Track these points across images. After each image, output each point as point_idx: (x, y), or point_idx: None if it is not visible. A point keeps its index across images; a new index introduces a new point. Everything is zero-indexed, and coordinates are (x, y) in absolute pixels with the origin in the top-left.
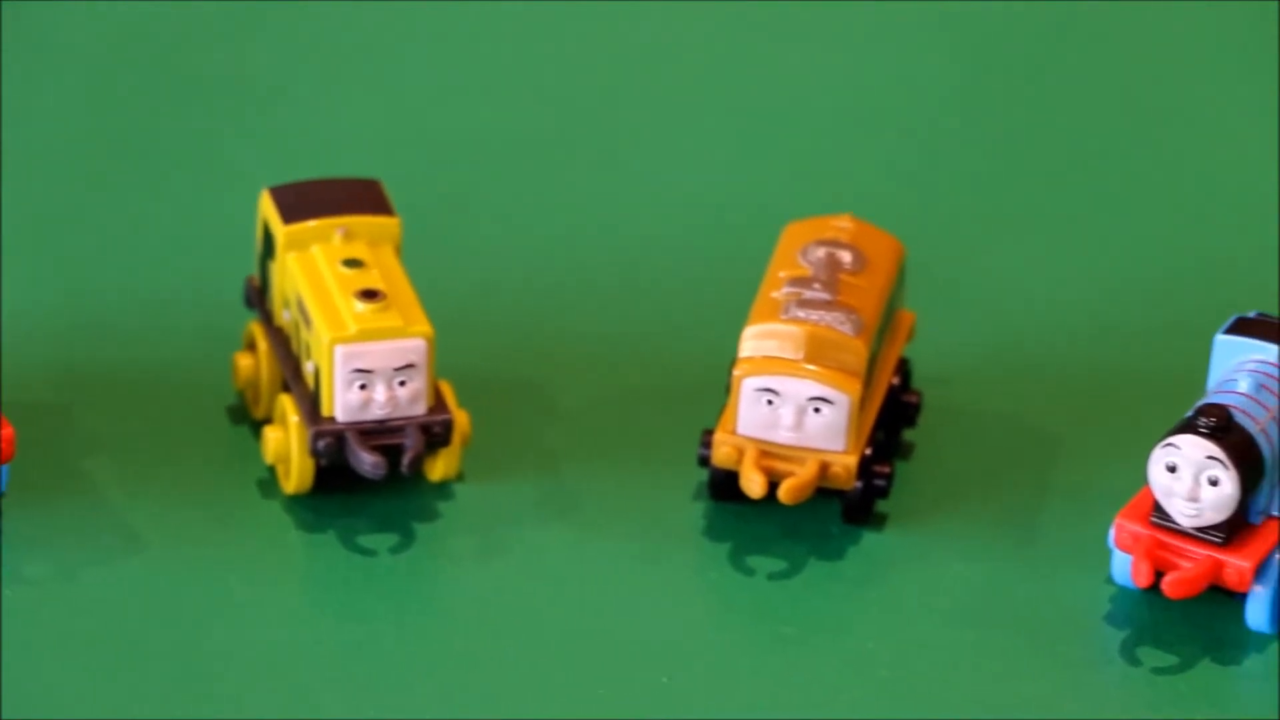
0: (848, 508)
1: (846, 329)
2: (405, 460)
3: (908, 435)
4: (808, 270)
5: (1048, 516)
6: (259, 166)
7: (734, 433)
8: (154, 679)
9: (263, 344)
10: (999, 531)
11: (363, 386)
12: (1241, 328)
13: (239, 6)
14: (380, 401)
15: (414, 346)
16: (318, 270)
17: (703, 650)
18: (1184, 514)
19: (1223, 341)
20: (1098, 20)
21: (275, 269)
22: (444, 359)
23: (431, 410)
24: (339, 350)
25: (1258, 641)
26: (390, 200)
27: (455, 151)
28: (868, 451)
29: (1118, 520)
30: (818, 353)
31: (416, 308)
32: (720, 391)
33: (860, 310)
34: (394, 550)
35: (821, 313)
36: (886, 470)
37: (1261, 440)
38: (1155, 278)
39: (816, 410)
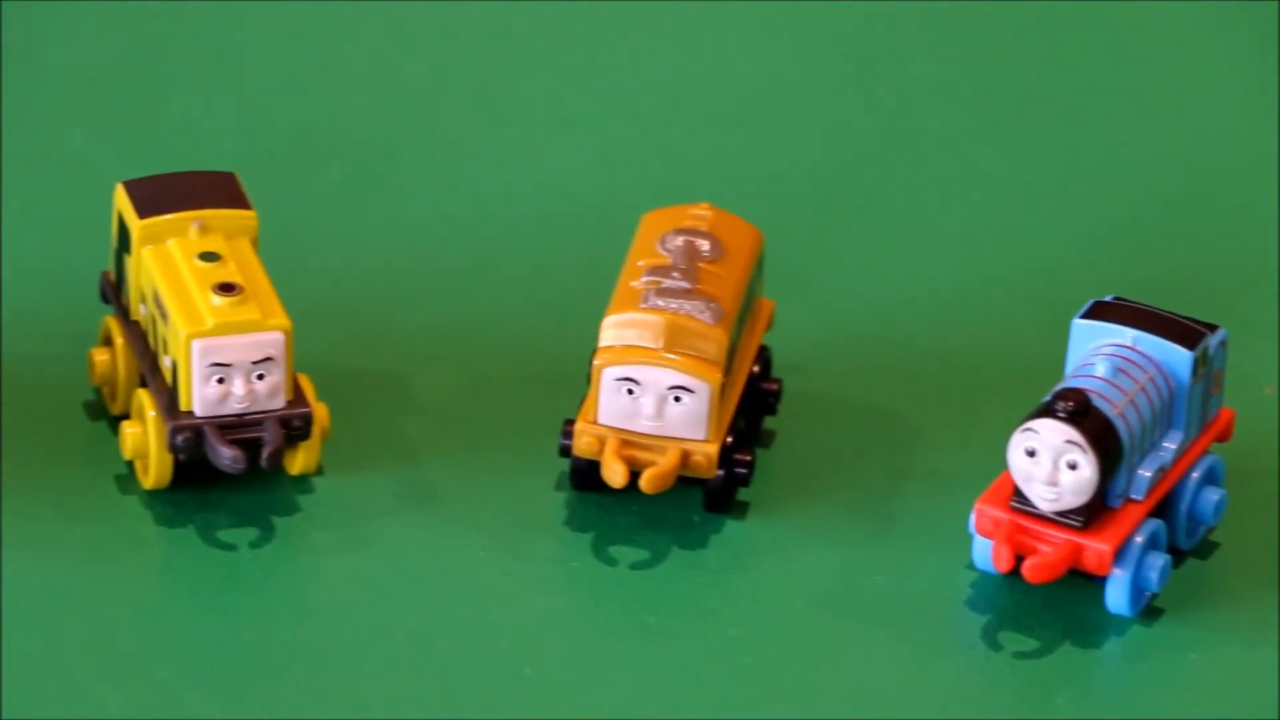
0: (709, 496)
1: (706, 317)
2: (264, 454)
3: (768, 423)
4: (666, 259)
5: (908, 503)
6: (112, 160)
7: (595, 422)
8: (10, 677)
9: (119, 339)
10: (860, 518)
11: (220, 380)
12: (1098, 312)
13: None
14: (238, 395)
15: (272, 340)
16: (174, 264)
17: (566, 640)
18: (1043, 498)
19: (1080, 326)
20: (943, 7)
21: (131, 263)
22: (302, 352)
23: (290, 404)
24: (196, 344)
25: (1118, 625)
26: (246, 193)
27: (310, 144)
28: (729, 440)
29: (977, 505)
30: (677, 341)
31: (274, 301)
32: (580, 381)
33: (720, 298)
34: (254, 545)
35: (681, 301)
36: (747, 458)
37: (1119, 424)
38: (1012, 263)
39: (677, 399)
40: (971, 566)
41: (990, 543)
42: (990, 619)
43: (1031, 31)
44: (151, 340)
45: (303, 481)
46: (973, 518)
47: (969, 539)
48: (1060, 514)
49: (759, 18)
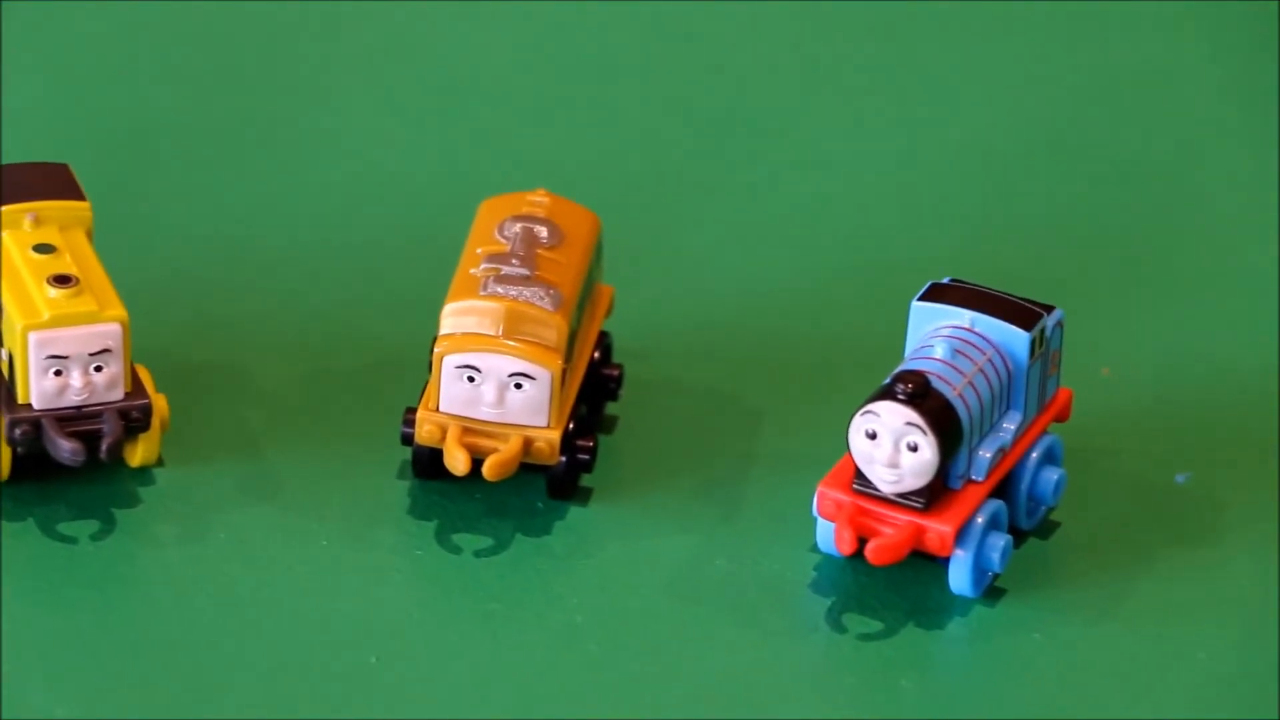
0: (552, 483)
1: (546, 304)
2: (103, 446)
3: (610, 409)
4: (505, 246)
5: (751, 487)
6: None
7: (436, 410)
8: None
9: None
10: (703, 503)
11: (58, 373)
12: (936, 294)
13: None
14: (76, 388)
15: (109, 331)
16: (9, 256)
17: (410, 629)
18: (885, 480)
19: (918, 308)
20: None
21: None
22: (139, 343)
23: (129, 395)
24: (32, 336)
25: (961, 605)
26: (80, 184)
27: (143, 133)
28: (570, 426)
29: (820, 488)
30: (517, 328)
31: (110, 292)
32: (421, 369)
33: (559, 285)
34: (95, 537)
35: (520, 288)
36: (590, 444)
37: (959, 405)
38: (850, 245)
39: (518, 386)
40: (815, 549)
41: (833, 525)
42: (834, 601)
43: (867, 10)
44: None
45: (143, 473)
46: (815, 501)
47: (812, 522)
48: (902, 496)
49: (596, 3)
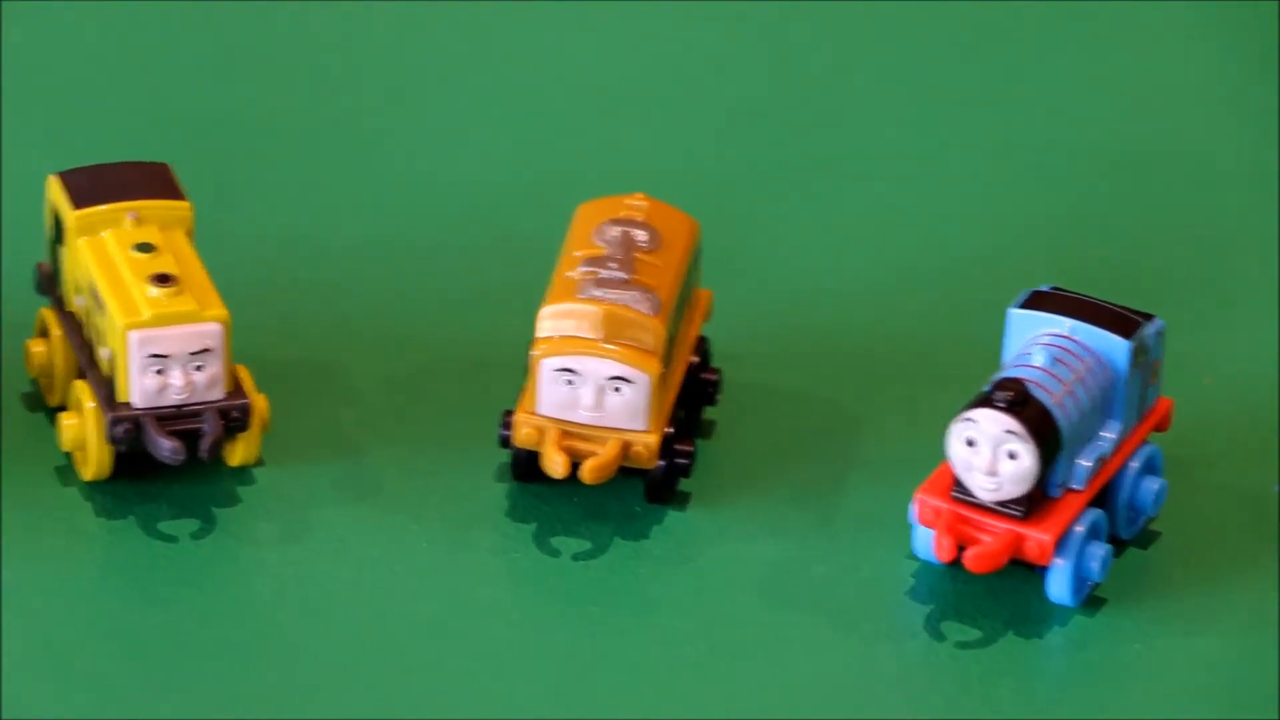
0: (651, 487)
1: (644, 308)
2: (203, 445)
3: (708, 413)
4: (603, 249)
5: (849, 492)
6: (44, 151)
7: (534, 413)
8: None
9: (56, 330)
10: (801, 508)
11: (159, 372)
12: (1036, 302)
13: None
14: (177, 387)
15: (209, 331)
16: (109, 255)
17: (508, 632)
18: (983, 488)
19: (1017, 315)
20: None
21: (66, 255)
22: (240, 343)
23: (229, 395)
24: (133, 335)
25: (1059, 614)
26: (180, 184)
27: (244, 134)
28: (669, 430)
29: (918, 495)
30: (616, 332)
31: (211, 292)
32: (518, 372)
33: (657, 289)
34: (195, 536)
35: (619, 292)
36: (688, 448)
37: (1058, 413)
38: (950, 252)
39: (616, 390)
40: (913, 556)
41: (931, 532)
42: (932, 609)
43: (964, 15)
44: (88, 331)
45: (243, 473)
46: (914, 507)
47: (910, 528)
48: (1001, 504)
49: (695, 5)
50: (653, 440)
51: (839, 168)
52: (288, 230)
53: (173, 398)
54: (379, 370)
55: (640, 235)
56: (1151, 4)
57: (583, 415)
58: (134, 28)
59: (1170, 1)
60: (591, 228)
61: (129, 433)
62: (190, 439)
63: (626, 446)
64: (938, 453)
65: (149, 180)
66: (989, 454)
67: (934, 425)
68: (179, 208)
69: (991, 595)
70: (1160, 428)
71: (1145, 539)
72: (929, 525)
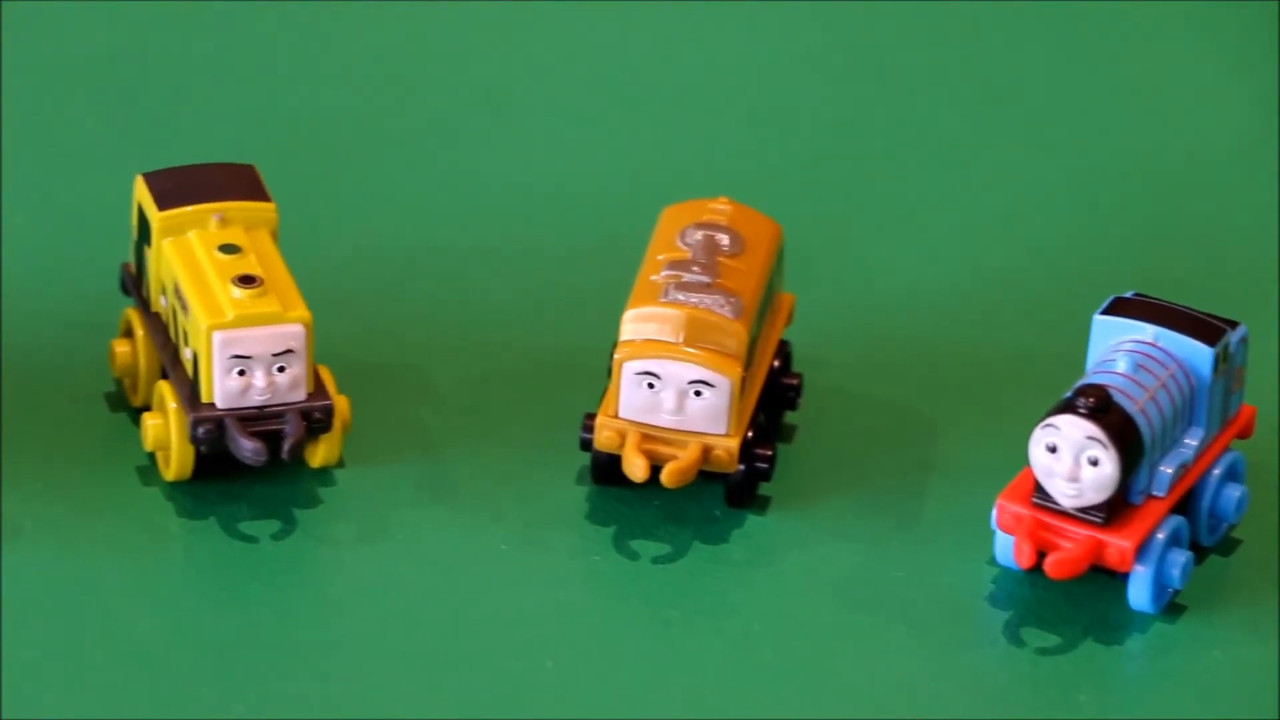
0: (731, 491)
1: (726, 312)
2: (285, 446)
3: (789, 418)
4: (686, 253)
5: (929, 498)
6: (130, 152)
7: (615, 416)
8: (32, 668)
9: (140, 331)
10: (881, 513)
11: (241, 373)
12: (1119, 308)
13: None
14: (260, 387)
15: (292, 332)
16: (194, 256)
17: (587, 634)
18: (1065, 494)
19: (1100, 322)
20: (960, 3)
21: (151, 255)
22: (322, 344)
23: (311, 396)
24: (217, 336)
25: (1140, 621)
26: (265, 185)
27: (327, 135)
28: (749, 434)
29: (999, 501)
30: (698, 336)
31: (294, 293)
32: (600, 374)
33: (740, 293)
34: (275, 536)
35: (701, 296)
36: (768, 453)
37: (1140, 420)
38: (1032, 258)
39: (698, 393)
40: (993, 562)
41: (1012, 538)
42: (1012, 615)
43: (1047, 25)
44: (172, 332)
45: (324, 474)
46: (994, 513)
47: (991, 534)
48: (1082, 510)
49: (779, 11)
50: (733, 444)
51: (923, 172)
52: (372, 232)
53: (255, 399)
54: (461, 372)
55: (723, 239)
56: (1239, 11)
57: (664, 419)
58: (222, 28)
59: (1259, 1)
60: (675, 231)
61: (211, 433)
62: (272, 440)
63: (707, 450)
64: (1019, 458)
65: (234, 181)
66: (1071, 460)
67: (1015, 431)
68: (264, 209)
69: (1072, 602)
70: (1243, 434)
71: (1226, 546)
72: (1009, 531)
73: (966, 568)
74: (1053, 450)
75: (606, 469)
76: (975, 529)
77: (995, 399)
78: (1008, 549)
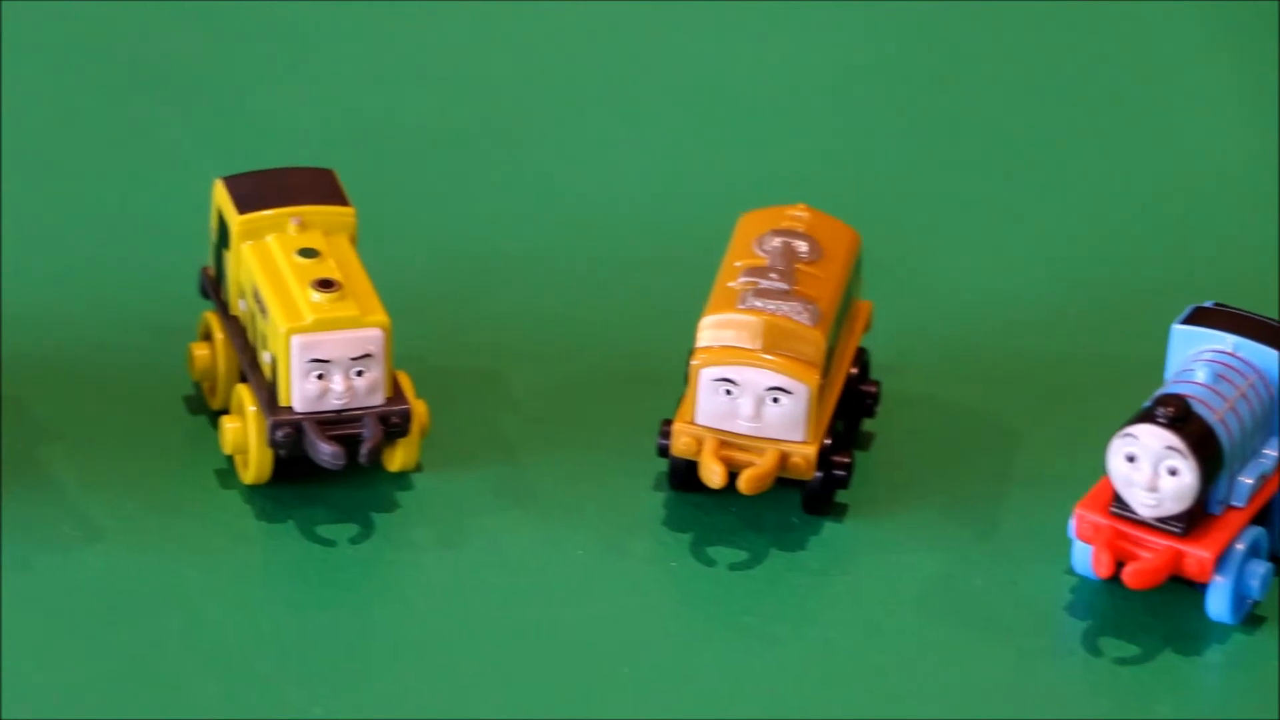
0: (808, 498)
1: (804, 319)
2: (364, 450)
3: (866, 425)
4: (764, 260)
5: (1007, 506)
6: (210, 155)
7: (693, 422)
8: (110, 670)
9: (219, 334)
10: (958, 521)
11: (320, 376)
12: (1199, 318)
13: None
14: (338, 391)
15: (371, 336)
16: (273, 260)
17: (663, 640)
18: (1144, 504)
19: (1180, 331)
20: (1045, 7)
21: (230, 259)
22: (401, 348)
23: (389, 400)
24: (296, 340)
25: (1219, 632)
26: (344, 189)
27: (410, 139)
28: (827, 442)
29: (1078, 510)
30: (776, 343)
31: (373, 297)
32: (677, 380)
33: (818, 300)
34: (353, 540)
35: (779, 303)
36: (846, 460)
37: (1220, 430)
38: (1112, 266)
39: (775, 400)
40: (1071, 571)
41: (1090, 548)
42: (1090, 624)
43: (1131, 30)
44: (251, 335)
45: (402, 478)
46: (1073, 523)
47: (1069, 544)
48: (1161, 520)
49: (858, 13)
50: (810, 451)
51: (1002, 179)
52: (451, 237)
53: (333, 402)
54: (538, 378)
55: (801, 246)
56: None
57: (741, 425)
58: (303, 32)
59: None
60: (753, 238)
61: (289, 437)
62: (350, 444)
63: (784, 457)
64: (1098, 468)
65: (314, 185)
66: (1150, 470)
67: (1094, 440)
68: (343, 213)
69: (1150, 612)
70: None
71: None
72: (1088, 540)
73: (1045, 577)
74: (1132, 460)
75: (684, 475)
76: (1053, 538)
77: (1074, 407)
78: (1086, 558)
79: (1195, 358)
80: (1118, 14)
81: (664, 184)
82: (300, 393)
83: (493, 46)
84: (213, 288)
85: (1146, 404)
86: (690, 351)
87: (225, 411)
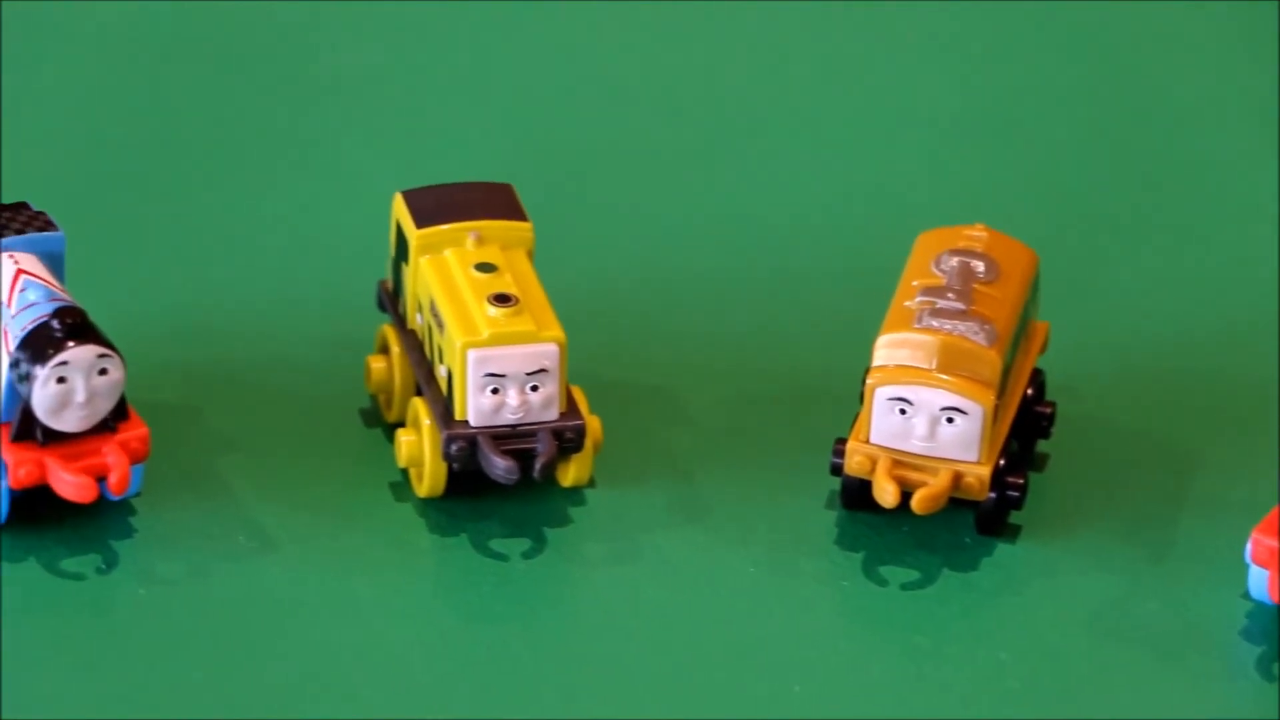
0: (981, 519)
1: (980, 339)
2: (537, 465)
3: (1041, 446)
4: (941, 279)
5: (1182, 529)
6: (389, 170)
7: (867, 441)
8: (284, 678)
9: (395, 347)
10: (1133, 544)
11: (495, 391)
12: None
13: (365, 8)
14: (513, 406)
15: (546, 351)
16: (450, 274)
17: (834, 659)
18: None
19: None
20: (1222, 23)
21: (408, 272)
22: (576, 364)
23: (564, 415)
24: (472, 354)
25: None
26: (522, 204)
27: (586, 155)
28: (1001, 462)
29: (1254, 535)
30: (951, 362)
31: (549, 313)
32: (853, 400)
33: (994, 320)
34: (525, 555)
35: (955, 322)
36: (1020, 481)
37: None
38: None
39: (950, 420)
40: (1247, 596)
41: (1267, 573)
42: (1265, 650)
43: None
44: (427, 349)
45: (574, 493)
46: (1249, 546)
47: (1245, 568)
48: None
49: (1033, 31)
50: (984, 472)
51: (1182, 199)
52: (627, 253)
53: (508, 417)
54: (712, 395)
55: (979, 266)
56: None
57: (915, 445)
58: (482, 47)
59: None
60: (931, 257)
61: (464, 451)
62: (524, 458)
63: (958, 477)
64: (1276, 493)
65: (492, 200)
66: None
67: (1272, 465)
68: (521, 228)
69: None
70: None
71: None
72: (1264, 565)
73: (1219, 601)
74: None
75: (857, 494)
76: (1229, 562)
77: (1253, 431)
78: (1262, 583)
79: None
80: None
81: (843, 203)
82: (475, 407)
83: (676, 62)
84: (390, 301)
85: None
86: (866, 370)
87: (401, 424)
